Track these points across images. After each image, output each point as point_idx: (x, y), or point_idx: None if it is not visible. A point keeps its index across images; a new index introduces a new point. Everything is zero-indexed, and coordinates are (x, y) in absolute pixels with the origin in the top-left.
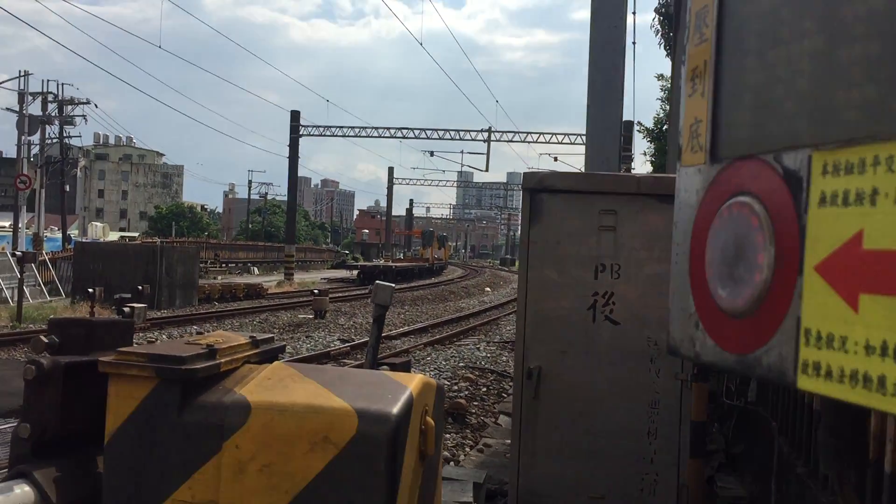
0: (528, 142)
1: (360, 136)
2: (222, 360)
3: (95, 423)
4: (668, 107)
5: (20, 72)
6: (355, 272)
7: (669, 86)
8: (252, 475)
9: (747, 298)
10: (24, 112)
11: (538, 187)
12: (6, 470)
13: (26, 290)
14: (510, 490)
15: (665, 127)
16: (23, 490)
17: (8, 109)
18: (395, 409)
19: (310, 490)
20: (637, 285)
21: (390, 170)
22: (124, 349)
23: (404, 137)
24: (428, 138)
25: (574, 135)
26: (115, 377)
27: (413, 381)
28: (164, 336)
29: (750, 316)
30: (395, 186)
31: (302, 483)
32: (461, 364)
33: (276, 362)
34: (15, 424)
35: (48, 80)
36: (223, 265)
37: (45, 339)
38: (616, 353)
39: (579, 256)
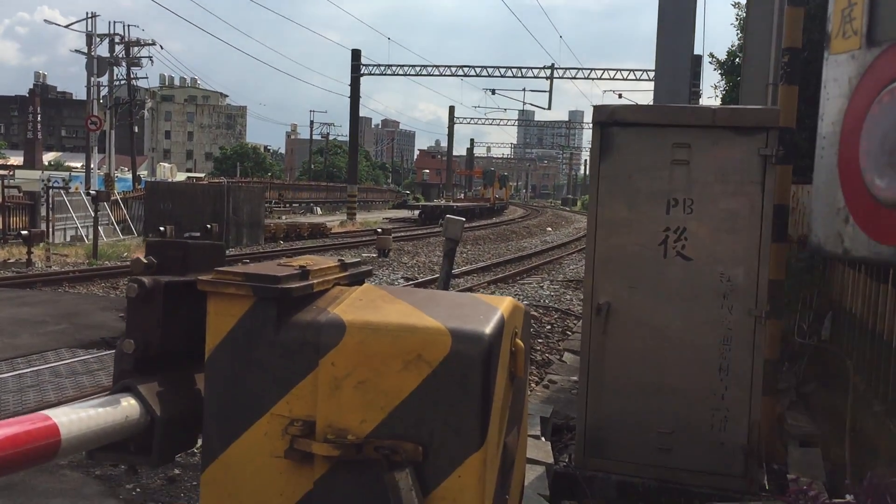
0: (592, 78)
1: (420, 75)
2: (315, 281)
3: (194, 342)
4: (741, 36)
5: (87, 13)
6: (416, 212)
7: (745, 14)
8: (348, 392)
9: None
10: (93, 54)
11: (609, 120)
12: (87, 398)
13: (100, 229)
14: (578, 424)
15: (737, 60)
16: (128, 403)
17: (76, 51)
18: (488, 330)
19: (404, 407)
20: (711, 221)
21: (451, 109)
22: (222, 269)
23: (465, 76)
24: (489, 76)
25: (640, 70)
26: (213, 295)
27: (504, 303)
28: None
29: None
30: (455, 126)
31: (396, 400)
32: (525, 302)
33: (365, 284)
34: (97, 354)
35: (115, 22)
36: (287, 205)
37: (145, 260)
38: (687, 290)
39: (651, 191)
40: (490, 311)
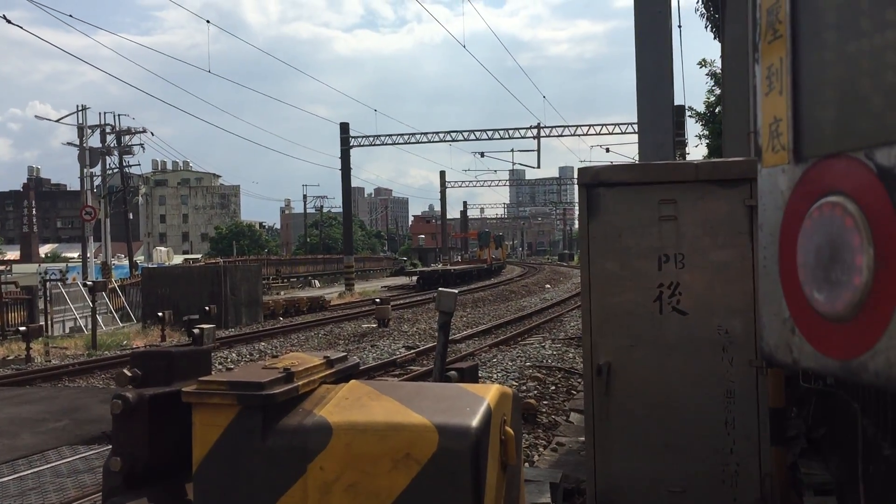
0: (578, 135)
1: (409, 143)
2: (300, 383)
3: (182, 452)
4: (717, 90)
5: (77, 106)
6: (414, 278)
7: (717, 70)
8: (338, 496)
9: (847, 302)
10: (84, 145)
11: (594, 182)
12: (89, 497)
13: (99, 318)
14: (588, 488)
15: (717, 109)
16: None
17: (69, 144)
18: (475, 423)
19: None
20: (703, 274)
21: (442, 174)
22: (205, 378)
23: (454, 140)
24: (477, 139)
25: (625, 124)
26: (198, 406)
27: (490, 392)
28: (233, 354)
29: (851, 320)
30: (447, 189)
31: (387, 501)
32: (528, 363)
33: (352, 381)
34: (98, 450)
35: (105, 113)
36: (285, 280)
37: (129, 373)
38: (686, 344)
39: (641, 248)
40: (476, 402)
